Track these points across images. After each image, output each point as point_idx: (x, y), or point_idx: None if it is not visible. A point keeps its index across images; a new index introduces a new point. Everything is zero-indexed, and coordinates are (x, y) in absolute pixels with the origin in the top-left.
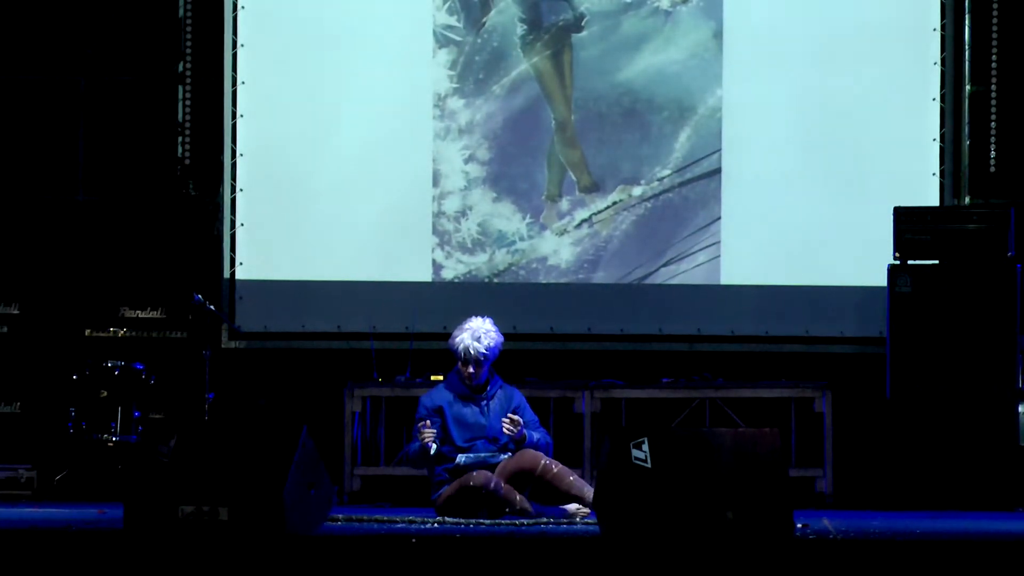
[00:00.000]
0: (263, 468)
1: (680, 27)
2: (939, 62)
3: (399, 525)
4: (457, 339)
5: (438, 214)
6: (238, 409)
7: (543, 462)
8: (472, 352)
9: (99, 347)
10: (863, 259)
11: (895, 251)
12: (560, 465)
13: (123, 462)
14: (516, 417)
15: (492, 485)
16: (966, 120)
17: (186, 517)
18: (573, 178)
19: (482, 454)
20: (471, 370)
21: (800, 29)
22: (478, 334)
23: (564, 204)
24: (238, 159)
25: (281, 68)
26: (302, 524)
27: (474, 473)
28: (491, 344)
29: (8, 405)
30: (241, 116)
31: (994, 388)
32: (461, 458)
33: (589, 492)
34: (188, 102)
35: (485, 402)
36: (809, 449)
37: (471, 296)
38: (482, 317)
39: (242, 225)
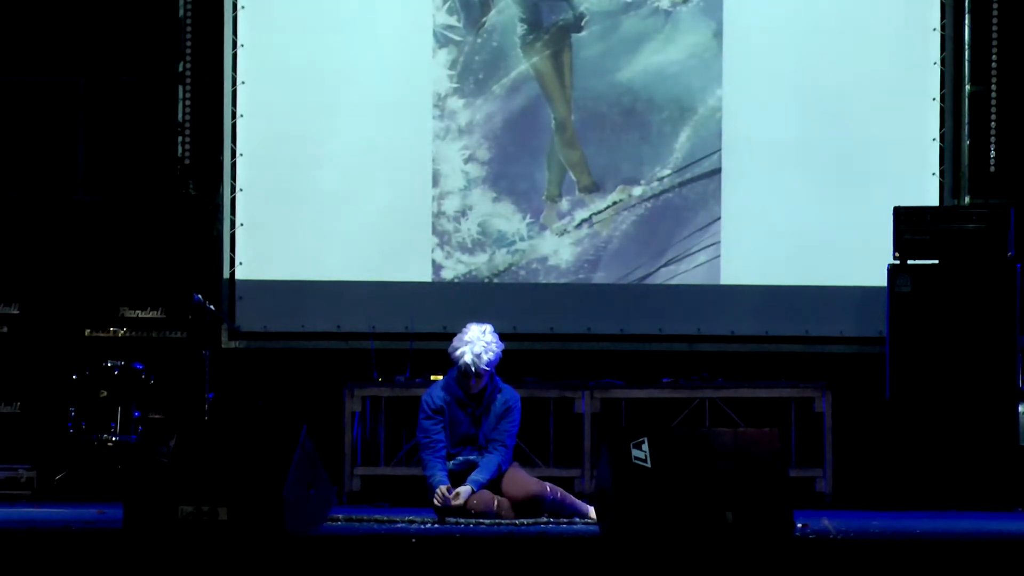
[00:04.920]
0: (263, 468)
1: (680, 27)
2: (939, 62)
3: (399, 525)
4: (458, 352)
5: (438, 214)
6: (238, 409)
7: (548, 488)
8: (473, 369)
9: (99, 347)
10: (863, 259)
11: (895, 251)
12: (561, 491)
13: (123, 462)
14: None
15: (494, 509)
16: (966, 120)
17: (186, 517)
18: (573, 178)
19: (471, 458)
20: (471, 382)
21: (800, 29)
22: (478, 349)
23: (564, 204)
24: (238, 159)
25: (281, 68)
26: (302, 524)
27: (475, 500)
28: (492, 358)
29: (8, 405)
30: (241, 116)
31: (994, 388)
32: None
33: (589, 511)
34: (188, 102)
35: (480, 410)
36: (809, 449)
37: (471, 296)
38: (482, 326)
39: (242, 225)
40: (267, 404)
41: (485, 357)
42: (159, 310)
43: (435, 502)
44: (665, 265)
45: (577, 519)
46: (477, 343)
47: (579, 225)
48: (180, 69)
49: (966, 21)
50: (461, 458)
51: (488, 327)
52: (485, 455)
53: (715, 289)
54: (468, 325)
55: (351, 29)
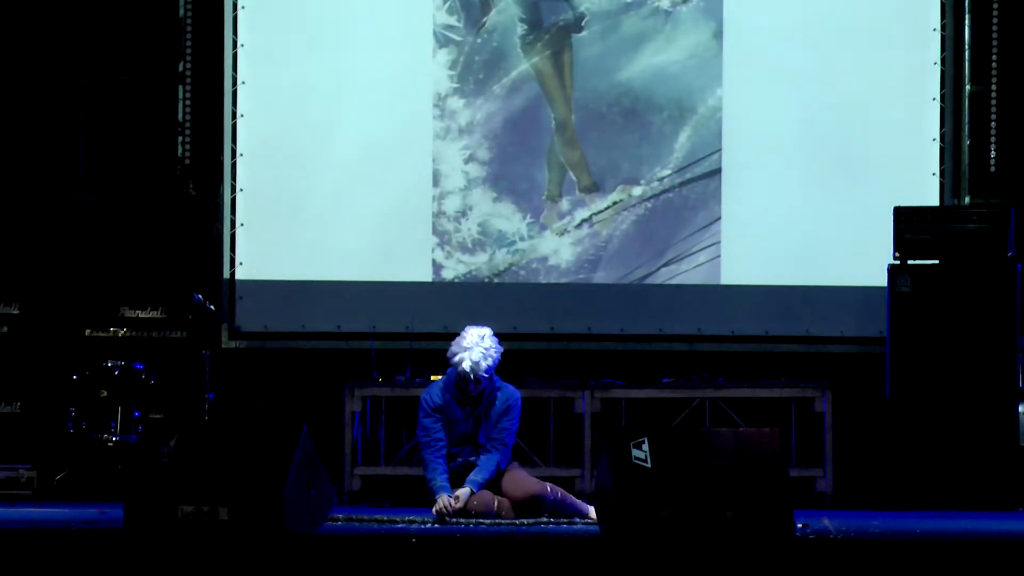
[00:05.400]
0: (263, 468)
1: (680, 27)
2: (939, 62)
3: (399, 525)
4: (457, 358)
5: (438, 214)
6: (238, 409)
7: (548, 488)
8: (472, 376)
9: (99, 347)
10: (863, 259)
11: (895, 251)
12: (561, 491)
13: (123, 462)
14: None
15: (494, 509)
16: (966, 120)
17: (186, 517)
18: (573, 178)
19: (471, 460)
20: (471, 387)
21: (800, 29)
22: (476, 356)
23: (564, 204)
24: (238, 159)
25: (281, 68)
26: (302, 524)
27: (475, 501)
28: (490, 364)
29: (8, 405)
30: (241, 116)
31: (994, 388)
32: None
33: (590, 511)
34: (188, 102)
35: (480, 409)
36: (809, 449)
37: (471, 296)
38: (480, 330)
39: (242, 225)
40: (268, 404)
41: (484, 364)
42: (159, 310)
43: (434, 511)
44: (665, 265)
45: (577, 519)
46: (475, 350)
47: (579, 225)
48: (180, 69)
49: (966, 21)
50: (461, 460)
51: (487, 331)
52: (484, 454)
53: (715, 289)
54: (466, 329)
55: (351, 29)
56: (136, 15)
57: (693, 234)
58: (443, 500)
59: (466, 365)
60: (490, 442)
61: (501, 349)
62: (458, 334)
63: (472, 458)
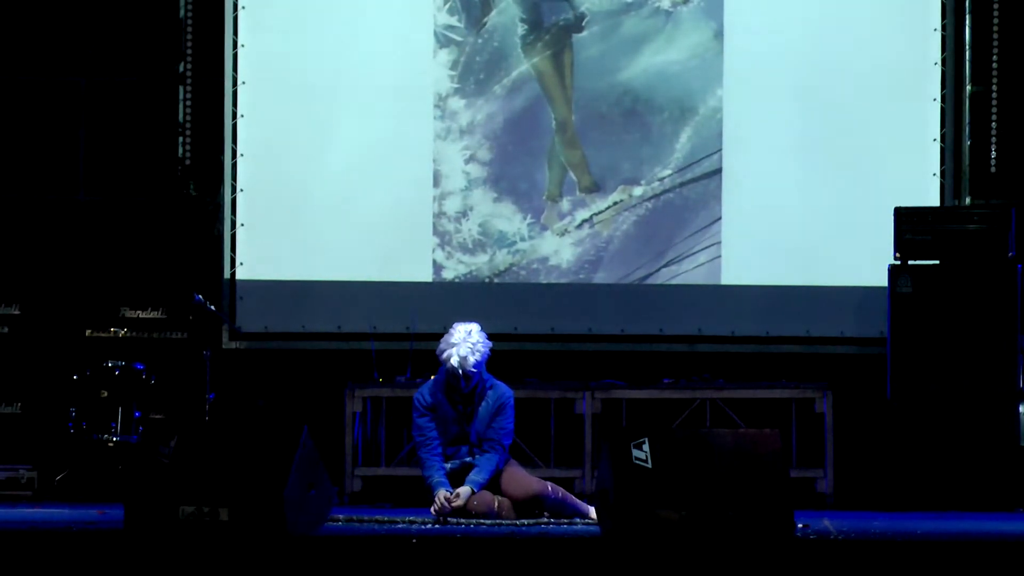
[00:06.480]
0: (263, 468)
1: (681, 27)
2: (939, 62)
3: (399, 525)
4: (445, 354)
5: (439, 214)
6: (238, 409)
7: (549, 487)
8: (460, 372)
9: (99, 347)
10: (863, 259)
11: (895, 251)
12: (562, 490)
13: (123, 462)
14: (457, 500)
15: (495, 510)
16: (966, 120)
17: (186, 517)
18: (574, 178)
19: (467, 460)
20: (461, 383)
21: (800, 29)
22: (464, 352)
23: (565, 204)
24: (238, 159)
25: (281, 68)
26: (302, 524)
27: (475, 501)
28: (479, 360)
29: (8, 405)
30: (241, 116)
31: (994, 388)
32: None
33: (590, 512)
34: (188, 102)
35: (471, 407)
36: (810, 449)
37: (471, 296)
38: (467, 326)
39: (242, 225)
40: (268, 404)
41: (471, 359)
42: (160, 310)
43: (433, 510)
44: (666, 265)
45: (578, 519)
46: (463, 345)
47: (580, 225)
48: (181, 69)
49: (967, 21)
50: (457, 460)
51: (475, 327)
52: (483, 455)
53: (716, 289)
54: (454, 325)
55: (352, 29)
56: (136, 15)
57: (693, 234)
58: (442, 496)
59: (454, 361)
60: (486, 442)
61: (490, 344)
62: (444, 335)
63: (468, 459)
